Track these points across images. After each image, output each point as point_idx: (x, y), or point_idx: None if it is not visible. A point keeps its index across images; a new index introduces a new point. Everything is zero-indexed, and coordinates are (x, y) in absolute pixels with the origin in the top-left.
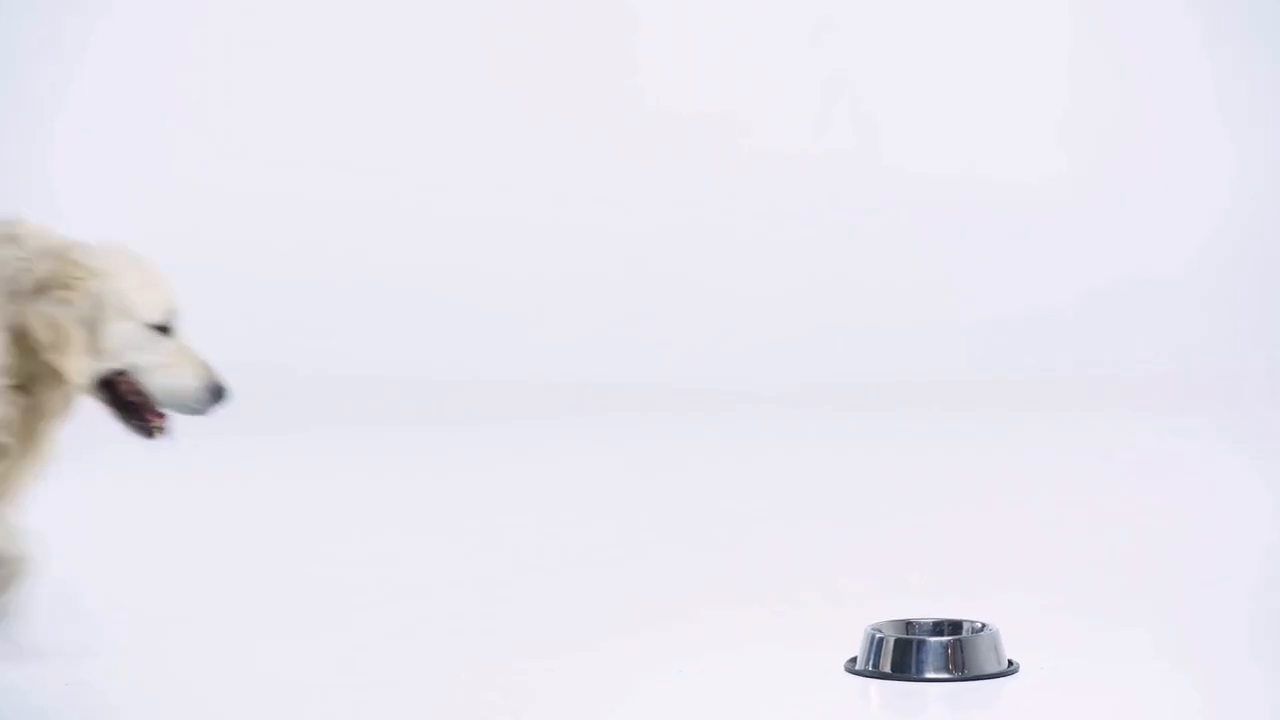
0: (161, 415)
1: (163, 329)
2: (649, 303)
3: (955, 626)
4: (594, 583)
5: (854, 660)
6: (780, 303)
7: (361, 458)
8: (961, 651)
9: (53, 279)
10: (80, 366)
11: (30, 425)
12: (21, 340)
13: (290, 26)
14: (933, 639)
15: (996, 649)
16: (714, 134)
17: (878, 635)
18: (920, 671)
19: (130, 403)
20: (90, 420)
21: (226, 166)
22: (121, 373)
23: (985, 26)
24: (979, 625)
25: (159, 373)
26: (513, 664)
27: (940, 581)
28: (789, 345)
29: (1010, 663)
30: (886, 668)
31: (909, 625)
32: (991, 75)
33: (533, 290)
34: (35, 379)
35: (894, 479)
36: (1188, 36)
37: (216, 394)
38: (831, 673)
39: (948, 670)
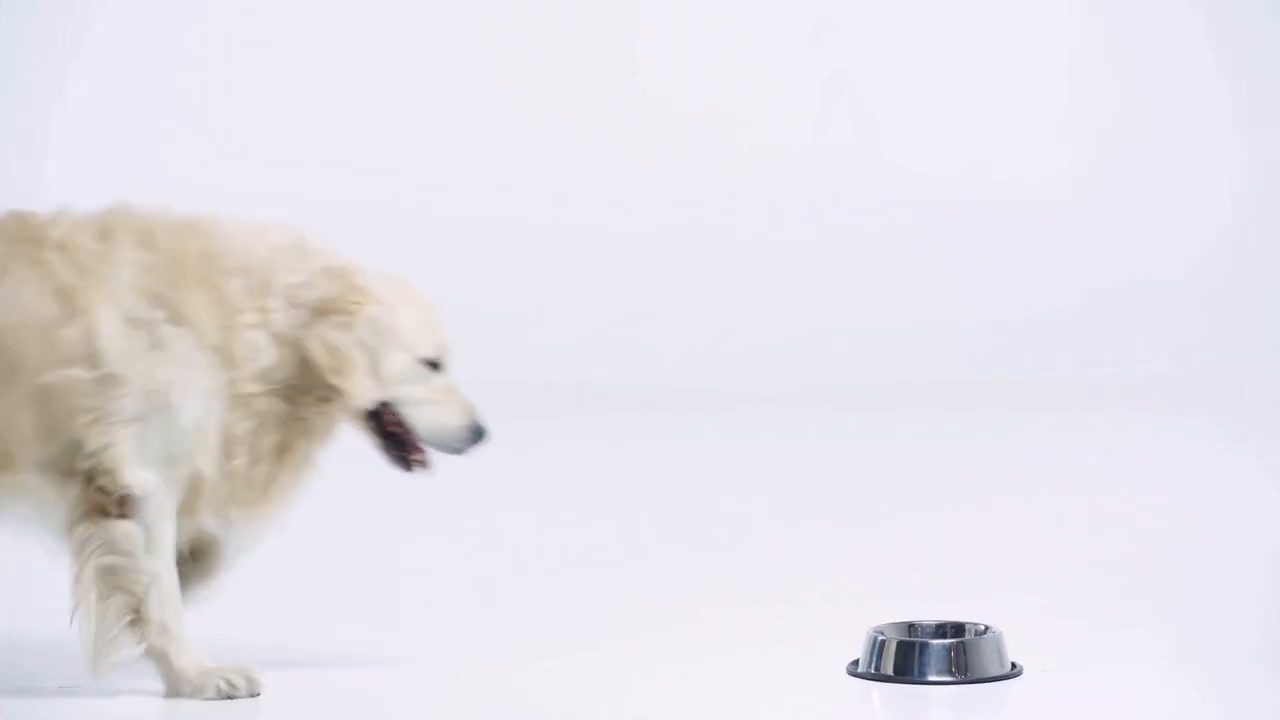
0: (421, 450)
1: (433, 365)
2: (649, 303)
3: (958, 629)
4: (594, 583)
5: (856, 662)
6: (780, 303)
7: (361, 458)
8: (964, 654)
9: (334, 301)
10: (362, 391)
11: (291, 440)
12: (292, 352)
13: (290, 26)
14: (935, 641)
15: (999, 651)
16: (714, 133)
17: (880, 637)
18: (923, 674)
19: (392, 434)
20: None
21: (226, 166)
22: (385, 404)
23: (986, 25)
24: (982, 627)
25: (425, 408)
26: (513, 664)
27: (942, 583)
28: (789, 345)
29: (1013, 665)
30: (889, 670)
31: (911, 627)
32: (992, 74)
33: (533, 290)
34: (300, 391)
35: (894, 479)
36: (1189, 35)
37: (477, 435)
38: (833, 675)
39: (950, 673)
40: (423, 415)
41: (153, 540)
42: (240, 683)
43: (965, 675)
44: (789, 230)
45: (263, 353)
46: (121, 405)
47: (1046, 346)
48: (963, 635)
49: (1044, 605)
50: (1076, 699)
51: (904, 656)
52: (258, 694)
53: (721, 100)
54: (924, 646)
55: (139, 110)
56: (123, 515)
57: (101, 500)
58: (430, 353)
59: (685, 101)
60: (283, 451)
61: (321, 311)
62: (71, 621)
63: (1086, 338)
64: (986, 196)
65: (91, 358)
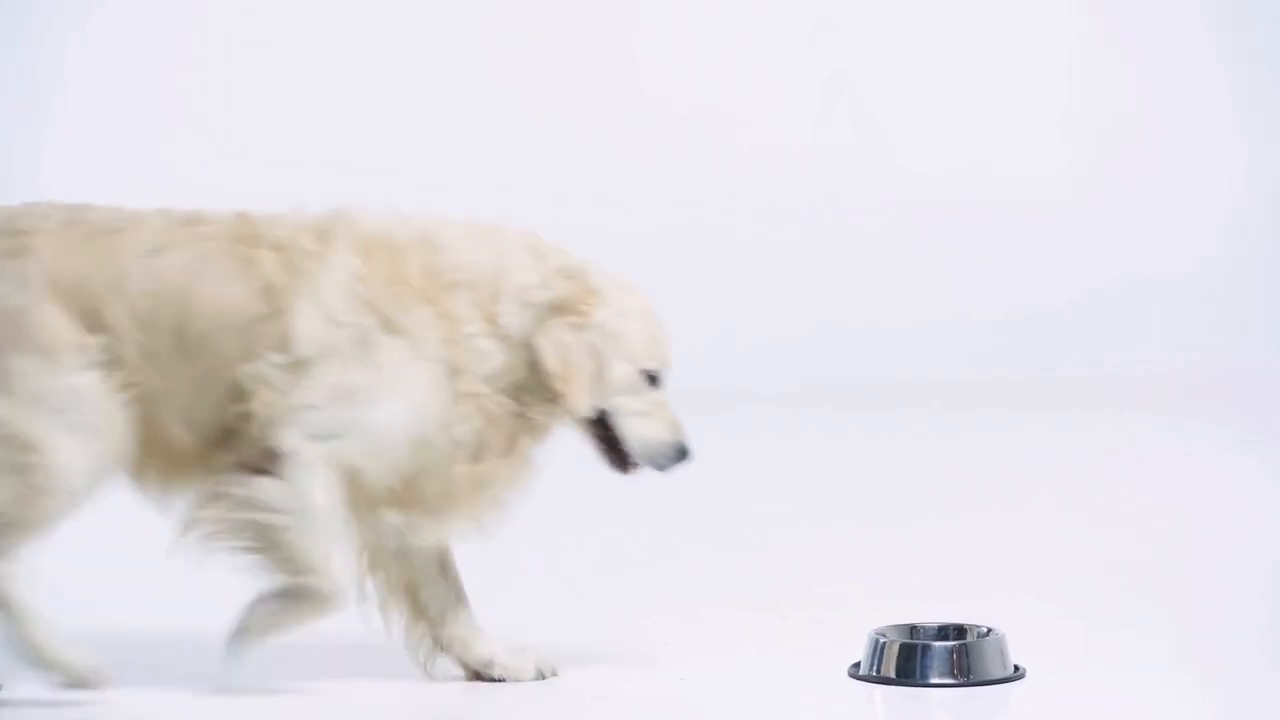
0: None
1: (652, 378)
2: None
3: (960, 631)
4: (594, 585)
5: (857, 665)
6: (780, 303)
7: None
8: (967, 656)
9: (567, 301)
10: (584, 400)
11: (514, 437)
12: (522, 352)
13: (290, 26)
14: (938, 644)
15: (1002, 654)
16: (714, 132)
17: (881, 640)
18: (925, 677)
19: (609, 440)
20: None
21: (226, 166)
22: (603, 412)
23: (987, 22)
24: (984, 629)
25: (637, 420)
26: None
27: (944, 584)
28: (789, 345)
29: (1016, 668)
30: (890, 673)
31: (913, 629)
32: (993, 72)
33: None
34: (526, 391)
35: (895, 479)
36: (1192, 32)
37: (682, 454)
38: (834, 678)
39: (953, 675)
40: (635, 428)
41: (304, 503)
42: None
43: (968, 678)
44: (789, 230)
45: (490, 357)
46: (304, 392)
47: (1047, 346)
48: (965, 637)
49: (1050, 608)
50: (1080, 701)
51: (906, 659)
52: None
53: (721, 100)
54: (926, 649)
55: (139, 110)
56: (276, 474)
57: (260, 460)
58: (652, 365)
59: (685, 101)
60: (507, 449)
61: (555, 311)
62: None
63: (1088, 338)
64: (987, 196)
65: (284, 345)
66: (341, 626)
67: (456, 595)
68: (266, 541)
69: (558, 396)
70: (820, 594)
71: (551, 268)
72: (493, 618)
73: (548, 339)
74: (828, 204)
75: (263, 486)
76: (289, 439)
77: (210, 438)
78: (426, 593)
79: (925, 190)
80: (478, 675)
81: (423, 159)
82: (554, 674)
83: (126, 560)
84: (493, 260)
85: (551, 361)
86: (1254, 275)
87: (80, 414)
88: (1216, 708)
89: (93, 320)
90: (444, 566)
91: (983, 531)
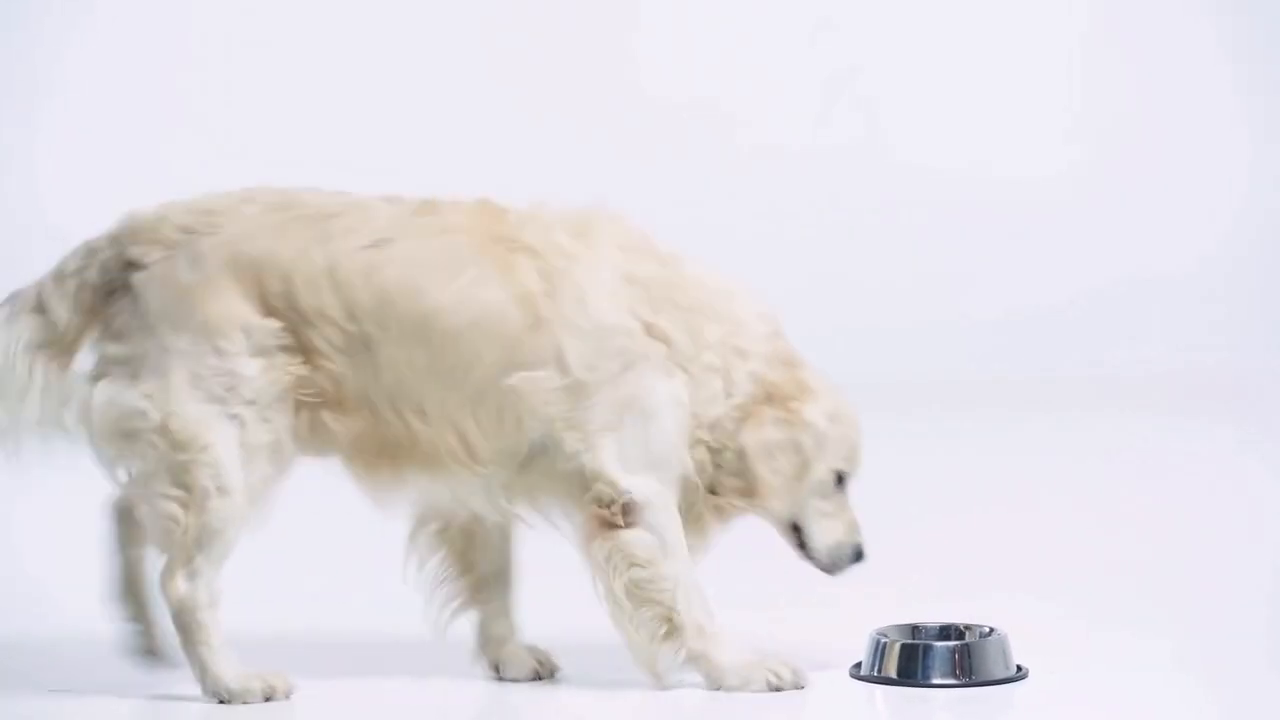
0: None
1: (840, 478)
2: None
3: (962, 630)
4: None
5: (858, 665)
6: (781, 302)
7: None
8: (969, 656)
9: (779, 391)
10: (782, 501)
11: (699, 511)
12: (734, 427)
13: (290, 27)
14: (939, 644)
15: (1004, 654)
16: (714, 132)
17: (883, 640)
18: (927, 677)
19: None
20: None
21: (226, 166)
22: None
23: (989, 20)
24: (987, 629)
25: (823, 522)
26: None
27: (946, 584)
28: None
29: (1019, 668)
30: (892, 673)
31: (915, 629)
32: (995, 69)
33: None
34: (725, 472)
35: (896, 479)
36: (1196, 30)
37: (858, 557)
38: (835, 678)
39: (955, 676)
40: (820, 530)
41: (666, 544)
42: (786, 674)
43: (970, 678)
44: (790, 229)
45: (715, 403)
46: (592, 414)
47: (1049, 346)
48: (967, 637)
49: (1053, 608)
50: (1082, 702)
51: (907, 659)
52: (803, 686)
53: (721, 99)
54: (928, 649)
55: (139, 110)
56: (630, 524)
57: (604, 514)
58: (845, 466)
59: (685, 100)
60: (688, 515)
61: (766, 399)
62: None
63: (1090, 337)
64: (988, 194)
65: (559, 364)
66: (341, 626)
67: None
68: (645, 599)
69: (754, 490)
70: (820, 594)
71: (772, 349)
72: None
73: (756, 434)
74: (829, 203)
75: (626, 541)
76: (625, 483)
77: (462, 435)
78: (482, 580)
79: (927, 187)
80: (498, 669)
81: (423, 157)
82: (551, 674)
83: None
84: (735, 315)
85: (756, 456)
86: (1256, 275)
87: (240, 402)
88: (1219, 709)
89: (277, 305)
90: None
91: (983, 531)
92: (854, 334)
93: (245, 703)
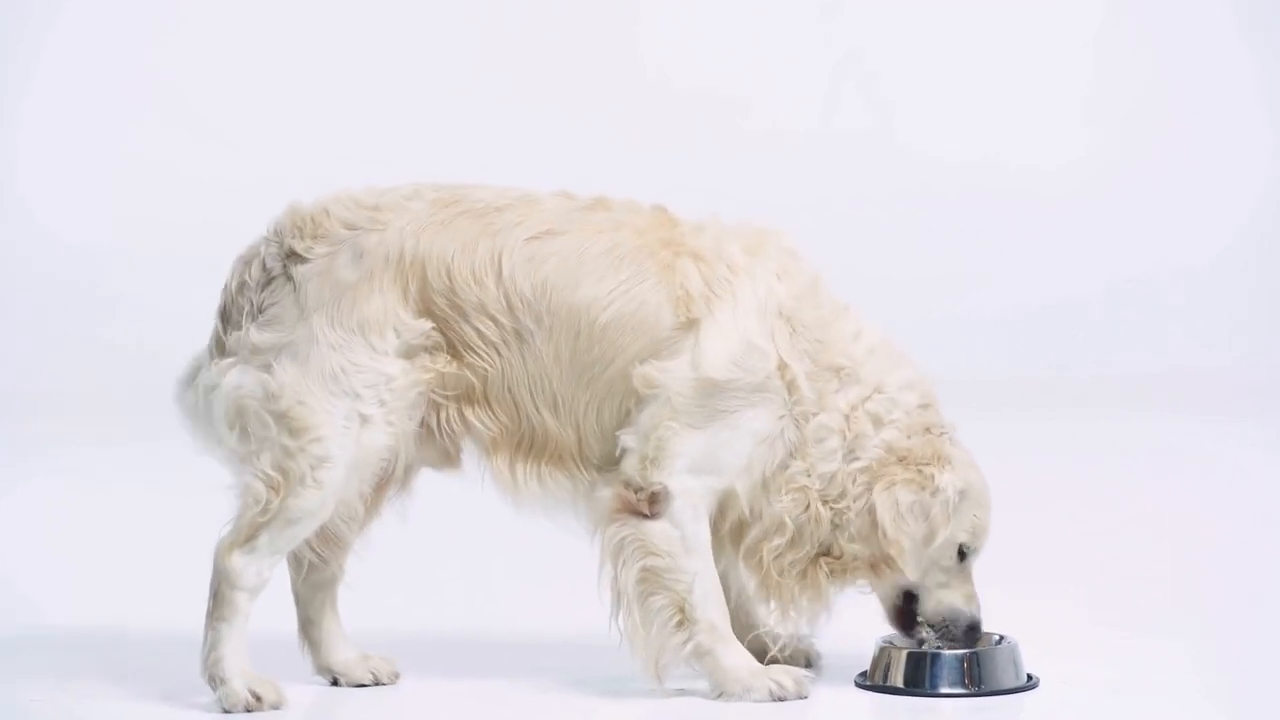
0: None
1: (962, 552)
2: None
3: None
4: (597, 588)
5: (864, 674)
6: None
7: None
8: (978, 665)
9: (916, 454)
10: (907, 565)
11: (814, 573)
12: (858, 484)
13: (288, 24)
14: (947, 652)
15: (1015, 662)
16: (722, 117)
17: (889, 648)
18: (934, 686)
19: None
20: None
21: (221, 160)
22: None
23: (1003, 5)
24: (997, 637)
25: (942, 592)
26: (515, 666)
27: None
28: None
29: (1030, 677)
30: (898, 682)
31: (922, 640)
32: (1009, 55)
33: None
34: (849, 536)
35: None
36: (1215, 15)
37: (974, 630)
38: (841, 687)
39: (964, 685)
40: (939, 599)
41: (688, 539)
42: (789, 684)
43: (979, 687)
44: (794, 222)
45: (830, 460)
46: (693, 410)
47: (1065, 341)
48: (976, 645)
49: (1065, 615)
50: (1096, 712)
51: (914, 668)
52: (806, 696)
53: (729, 85)
54: (935, 657)
55: (135, 108)
56: (655, 514)
57: (631, 499)
58: (970, 540)
59: (691, 87)
60: (804, 575)
61: (899, 460)
62: (613, 624)
63: (1107, 332)
64: (1001, 184)
65: (694, 359)
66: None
67: None
68: (657, 587)
69: (879, 551)
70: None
71: (918, 420)
72: (504, 616)
73: (887, 494)
74: (835, 194)
75: (647, 530)
76: (666, 474)
77: (581, 435)
78: None
79: (936, 177)
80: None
81: (425, 144)
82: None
83: None
84: (886, 381)
85: (884, 515)
86: (1277, 267)
87: (374, 402)
88: (1234, 718)
89: (436, 301)
90: None
91: (996, 534)
92: None
93: (230, 704)
